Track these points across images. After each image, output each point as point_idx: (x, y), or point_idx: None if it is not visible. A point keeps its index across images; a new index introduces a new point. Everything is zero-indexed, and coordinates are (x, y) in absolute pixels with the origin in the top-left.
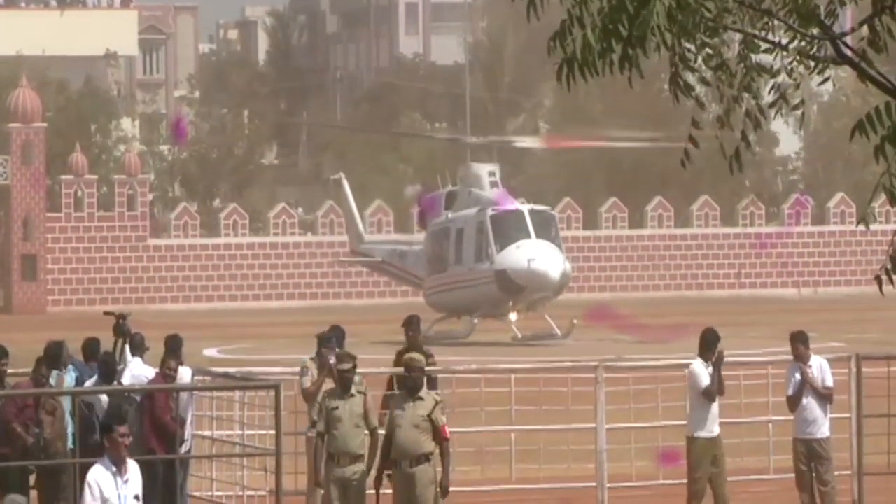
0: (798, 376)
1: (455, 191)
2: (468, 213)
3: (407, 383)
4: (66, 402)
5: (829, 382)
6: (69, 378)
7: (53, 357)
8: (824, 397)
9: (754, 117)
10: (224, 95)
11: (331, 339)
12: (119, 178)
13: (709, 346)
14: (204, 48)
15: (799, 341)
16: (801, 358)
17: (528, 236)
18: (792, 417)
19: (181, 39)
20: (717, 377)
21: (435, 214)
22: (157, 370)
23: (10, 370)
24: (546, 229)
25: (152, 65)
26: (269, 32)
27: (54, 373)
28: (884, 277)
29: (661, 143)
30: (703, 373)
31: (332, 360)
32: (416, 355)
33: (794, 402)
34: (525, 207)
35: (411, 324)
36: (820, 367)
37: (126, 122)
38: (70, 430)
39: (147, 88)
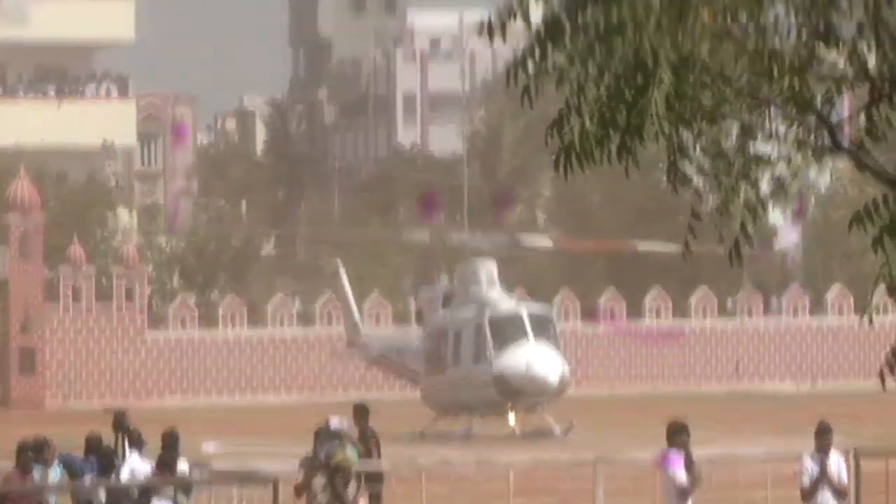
0: (816, 467)
1: (453, 289)
2: (466, 315)
3: (335, 484)
4: (52, 499)
5: (845, 478)
6: (54, 474)
7: (38, 447)
8: (840, 493)
9: (752, 208)
10: (222, 186)
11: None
12: (117, 270)
13: (679, 436)
14: (202, 138)
15: (824, 434)
16: (824, 450)
17: (527, 339)
18: None
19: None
20: (692, 470)
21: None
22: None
23: None
24: (544, 331)
25: (150, 156)
26: (267, 122)
27: (39, 468)
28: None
29: (669, 249)
30: (678, 467)
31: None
32: (343, 458)
33: (808, 495)
34: (523, 310)
35: (359, 413)
36: (837, 463)
37: (124, 214)
38: None
39: (145, 179)
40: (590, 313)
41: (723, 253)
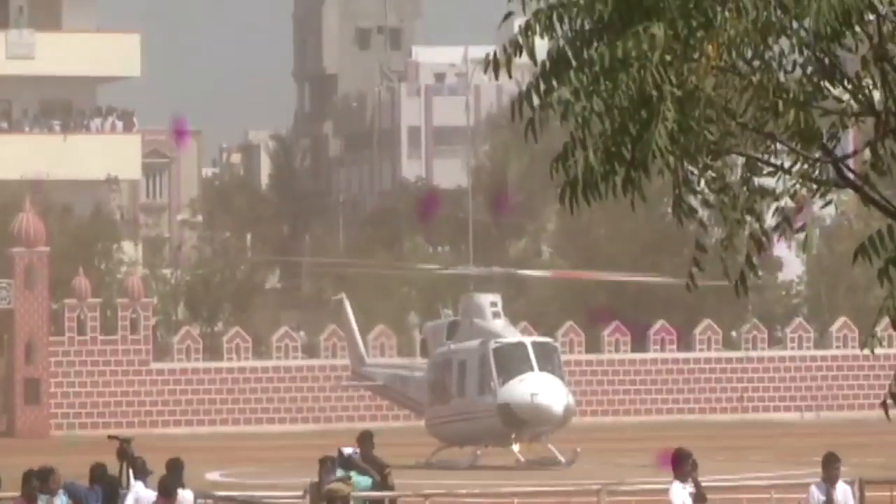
0: (822, 497)
1: (457, 321)
2: (471, 345)
3: None
4: None
5: None
6: (59, 503)
7: (42, 476)
8: None
9: (758, 240)
10: (227, 219)
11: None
12: (122, 302)
13: (681, 465)
14: (207, 172)
15: (832, 463)
16: (831, 480)
17: (531, 369)
18: None
19: (184, 163)
20: (697, 490)
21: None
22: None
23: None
24: (549, 362)
25: (155, 188)
26: (272, 156)
27: (45, 497)
28: (889, 402)
29: (666, 279)
30: (678, 495)
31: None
32: (335, 487)
33: None
34: (528, 340)
35: (364, 440)
36: (844, 493)
37: (128, 246)
38: None
39: (150, 212)
40: (595, 345)
41: (728, 284)
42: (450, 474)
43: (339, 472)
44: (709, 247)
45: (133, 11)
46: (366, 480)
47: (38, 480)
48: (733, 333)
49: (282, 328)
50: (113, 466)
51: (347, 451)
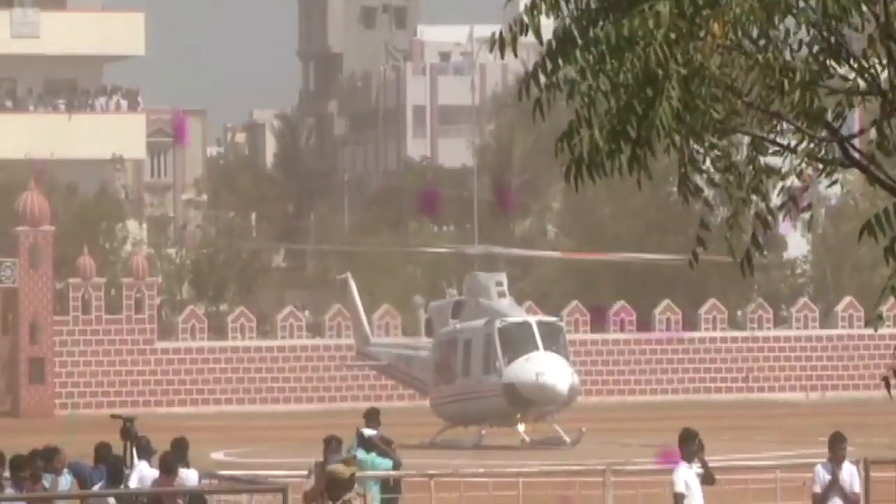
0: (828, 476)
1: (462, 300)
2: (476, 325)
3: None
4: None
5: (857, 488)
6: (64, 482)
7: (47, 456)
8: (850, 501)
9: (763, 219)
10: (232, 198)
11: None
12: (126, 281)
13: (687, 445)
14: (212, 151)
15: (838, 443)
16: (837, 460)
17: (537, 348)
18: None
19: (189, 143)
20: (704, 470)
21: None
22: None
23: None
24: (554, 341)
25: (160, 168)
26: (277, 135)
27: (49, 476)
28: (892, 380)
29: (670, 256)
30: (681, 476)
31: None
32: (337, 469)
33: (820, 501)
34: (533, 319)
35: (370, 417)
36: (850, 472)
37: (133, 225)
38: None
39: (154, 191)
40: (600, 325)
41: (733, 263)
42: (454, 454)
43: (360, 453)
44: (714, 226)
45: None
46: (386, 462)
47: (43, 460)
48: (739, 313)
49: (287, 308)
50: (117, 446)
51: (369, 432)
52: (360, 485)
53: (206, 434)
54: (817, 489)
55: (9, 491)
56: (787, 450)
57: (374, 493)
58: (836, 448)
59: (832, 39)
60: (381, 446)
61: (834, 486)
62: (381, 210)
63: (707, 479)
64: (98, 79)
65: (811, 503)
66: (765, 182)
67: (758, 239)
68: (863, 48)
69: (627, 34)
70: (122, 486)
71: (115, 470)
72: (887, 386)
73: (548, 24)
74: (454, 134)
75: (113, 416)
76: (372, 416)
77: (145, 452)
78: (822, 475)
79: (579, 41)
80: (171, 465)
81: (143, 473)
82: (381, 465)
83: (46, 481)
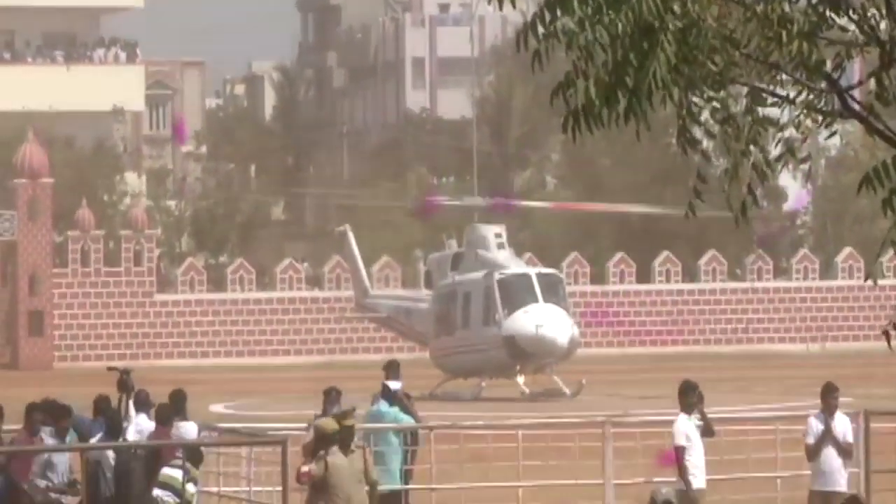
0: (821, 426)
1: (461, 252)
2: (475, 277)
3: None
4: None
5: (850, 438)
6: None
7: (47, 408)
8: (844, 451)
9: (761, 171)
10: (231, 150)
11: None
12: (125, 234)
13: (686, 397)
14: (211, 103)
15: (830, 393)
16: (830, 410)
17: (536, 300)
18: (800, 472)
19: (188, 95)
20: (704, 423)
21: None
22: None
23: (4, 427)
24: (553, 293)
25: (159, 120)
26: (276, 87)
27: (48, 429)
28: (892, 332)
29: (667, 210)
30: (682, 428)
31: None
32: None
33: (813, 452)
34: (532, 271)
35: (389, 369)
36: (842, 422)
37: (132, 178)
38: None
39: (153, 144)
40: (600, 277)
41: (731, 215)
42: (454, 406)
43: (383, 406)
44: (713, 177)
45: None
46: (407, 418)
47: (42, 414)
48: (738, 272)
49: (286, 259)
50: (116, 399)
51: (395, 385)
52: (375, 437)
53: (205, 387)
54: (810, 440)
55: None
56: (787, 401)
57: (395, 447)
58: (828, 398)
59: None
60: (406, 403)
61: (827, 436)
62: (380, 161)
63: (707, 431)
64: (96, 31)
65: (805, 454)
66: (763, 134)
67: (753, 190)
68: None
69: None
70: (120, 439)
71: (113, 423)
72: (888, 339)
73: None
74: (453, 85)
75: (109, 369)
76: (392, 369)
77: (144, 405)
78: (815, 426)
79: None
80: (166, 417)
81: (141, 426)
82: (404, 420)
83: (45, 433)
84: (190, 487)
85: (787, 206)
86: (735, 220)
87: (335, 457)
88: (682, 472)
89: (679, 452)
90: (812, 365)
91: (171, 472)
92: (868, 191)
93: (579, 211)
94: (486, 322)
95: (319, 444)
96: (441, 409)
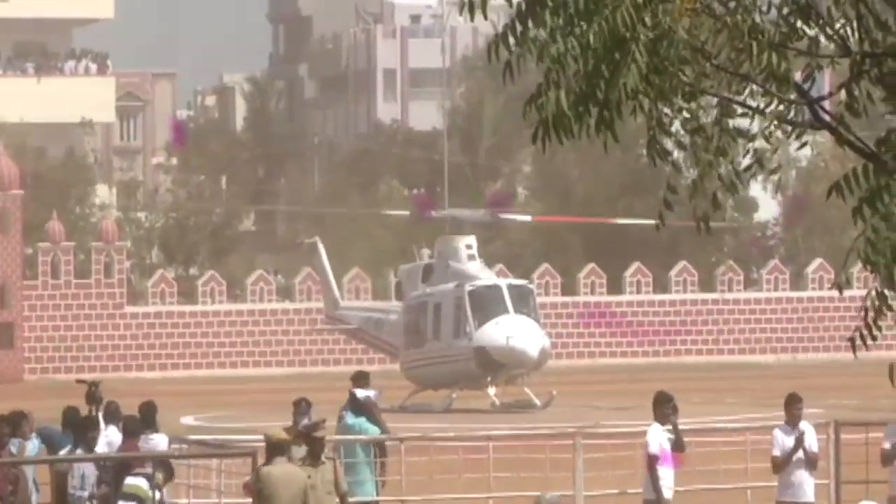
0: (786, 438)
1: (432, 264)
2: (446, 288)
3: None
4: (30, 471)
5: (815, 448)
6: (31, 447)
7: (15, 421)
8: (810, 462)
9: (729, 182)
10: (202, 161)
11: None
12: (96, 246)
13: (661, 407)
14: (181, 114)
15: (794, 404)
16: (794, 421)
17: (507, 311)
18: (770, 484)
19: (159, 106)
20: (676, 438)
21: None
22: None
23: None
24: (524, 304)
25: (129, 132)
26: (247, 98)
27: (16, 441)
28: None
29: (636, 221)
30: (656, 437)
31: (302, 426)
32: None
33: (780, 464)
34: (503, 282)
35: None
36: (808, 432)
37: (103, 189)
38: (35, 499)
39: (124, 155)
40: (570, 288)
41: (693, 225)
42: (425, 418)
43: (349, 417)
44: (683, 188)
45: None
46: (374, 429)
47: (8, 426)
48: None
49: (257, 271)
50: (85, 411)
51: (363, 393)
52: (339, 449)
53: (175, 399)
54: (776, 452)
55: None
56: (758, 412)
57: (362, 459)
58: (792, 409)
59: (801, 1)
60: (375, 412)
61: (797, 447)
62: (351, 173)
63: (677, 445)
64: (67, 42)
65: (771, 467)
66: (733, 145)
67: (717, 198)
68: (828, 6)
69: None
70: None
71: (82, 434)
72: (853, 347)
73: None
74: (425, 97)
75: (78, 381)
76: (361, 379)
77: (113, 417)
78: (781, 438)
79: (549, 3)
80: (134, 429)
81: (110, 438)
82: (370, 431)
83: (13, 447)
84: (155, 495)
85: (758, 217)
86: (697, 229)
87: (274, 467)
88: (654, 481)
89: (651, 461)
90: (782, 376)
91: (135, 482)
92: (839, 201)
93: (555, 222)
94: (456, 333)
95: (268, 453)
96: (411, 421)
